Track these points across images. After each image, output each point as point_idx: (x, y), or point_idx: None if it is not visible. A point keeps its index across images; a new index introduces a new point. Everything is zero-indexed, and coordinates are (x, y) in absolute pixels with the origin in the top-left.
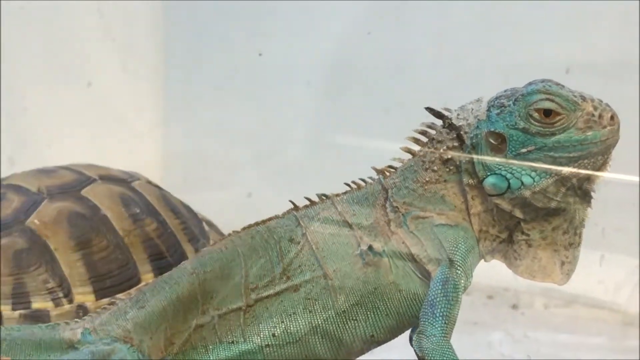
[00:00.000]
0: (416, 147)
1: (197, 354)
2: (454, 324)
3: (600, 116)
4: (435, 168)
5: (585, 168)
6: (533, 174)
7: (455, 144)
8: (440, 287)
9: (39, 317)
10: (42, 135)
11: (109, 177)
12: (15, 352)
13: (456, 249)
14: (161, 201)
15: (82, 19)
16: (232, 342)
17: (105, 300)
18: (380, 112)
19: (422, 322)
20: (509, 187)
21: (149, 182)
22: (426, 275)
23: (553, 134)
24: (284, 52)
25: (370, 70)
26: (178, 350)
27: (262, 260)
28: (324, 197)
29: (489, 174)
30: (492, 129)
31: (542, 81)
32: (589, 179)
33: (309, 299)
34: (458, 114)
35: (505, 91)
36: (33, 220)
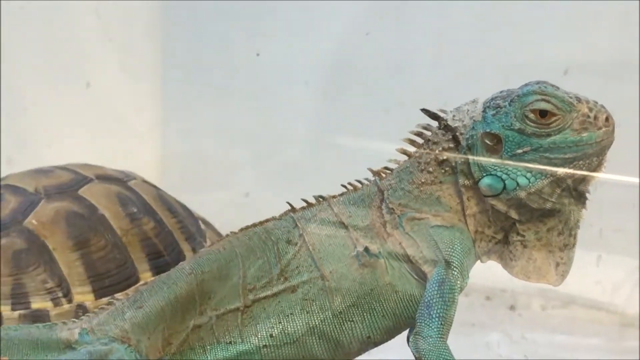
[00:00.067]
0: (412, 149)
1: (195, 354)
2: (451, 325)
3: (595, 117)
4: (430, 169)
5: (581, 169)
6: (528, 174)
7: (451, 145)
8: (436, 288)
9: (38, 317)
10: (42, 135)
11: (105, 177)
12: (12, 352)
13: (452, 250)
14: (158, 200)
15: (80, 19)
16: (230, 342)
17: (105, 300)
18: (380, 112)
19: (418, 323)
20: (504, 187)
21: (145, 182)
22: (422, 277)
23: (549, 135)
24: (283, 52)
25: (369, 71)
26: (176, 351)
27: (260, 261)
28: (321, 199)
29: (484, 174)
30: (488, 130)
31: (538, 83)
32: (584, 180)
33: (306, 299)
34: (454, 115)
35: (500, 92)
36: (31, 221)
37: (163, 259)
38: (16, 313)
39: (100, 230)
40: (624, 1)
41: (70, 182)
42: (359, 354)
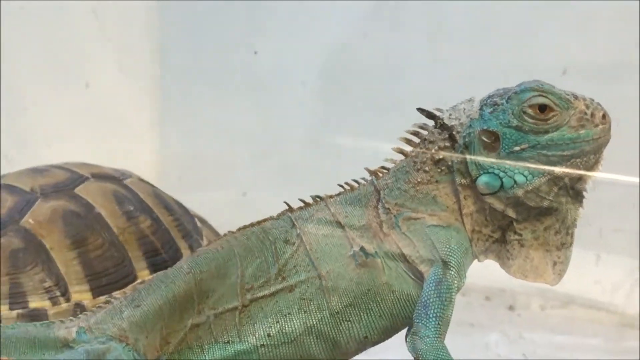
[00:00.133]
0: (409, 148)
1: (193, 353)
2: (448, 325)
3: (592, 115)
4: (426, 169)
5: (578, 167)
6: (526, 172)
7: (447, 144)
8: (433, 288)
9: (36, 316)
10: (42, 135)
11: (101, 175)
12: (9, 351)
13: (449, 250)
14: (154, 198)
15: (78, 19)
16: (228, 341)
17: (102, 298)
18: (377, 112)
19: (415, 323)
20: (501, 185)
21: (141, 180)
22: (419, 276)
23: (546, 132)
24: (281, 53)
25: (366, 71)
26: (174, 350)
27: (257, 260)
28: (318, 199)
29: (481, 172)
30: (485, 127)
31: (534, 81)
32: (580, 178)
33: (304, 299)
34: (450, 114)
35: (497, 90)
36: (28, 220)
37: (160, 257)
38: (14, 312)
39: (97, 228)
40: (623, 1)
41: (66, 181)
42: (357, 353)
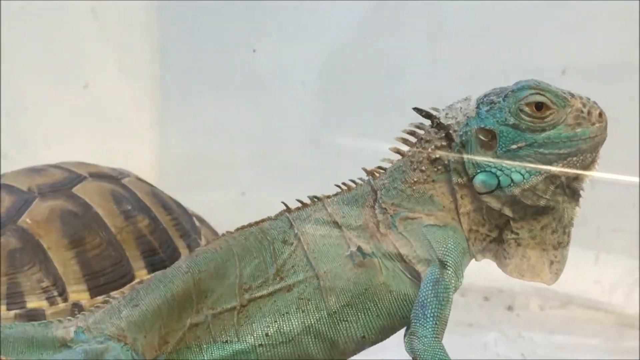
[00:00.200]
0: (405, 148)
1: (191, 353)
2: (446, 325)
3: (589, 113)
4: (423, 168)
5: (574, 165)
6: (523, 171)
7: (444, 143)
8: (430, 287)
9: (34, 316)
10: (42, 135)
11: (99, 175)
12: (7, 350)
13: (446, 249)
14: (152, 197)
15: (78, 19)
16: (226, 341)
17: (100, 298)
18: (377, 112)
19: (413, 323)
20: (498, 184)
21: (139, 179)
22: (416, 276)
23: (543, 130)
24: (280, 53)
25: (366, 71)
26: (172, 349)
27: (256, 261)
28: (316, 199)
29: (478, 171)
30: (482, 126)
31: (531, 80)
32: (577, 177)
33: (301, 299)
34: (447, 113)
35: (494, 89)
36: (25, 220)
37: (158, 256)
38: (12, 312)
39: (94, 228)
40: (623, 1)
41: (64, 181)
42: (355, 353)
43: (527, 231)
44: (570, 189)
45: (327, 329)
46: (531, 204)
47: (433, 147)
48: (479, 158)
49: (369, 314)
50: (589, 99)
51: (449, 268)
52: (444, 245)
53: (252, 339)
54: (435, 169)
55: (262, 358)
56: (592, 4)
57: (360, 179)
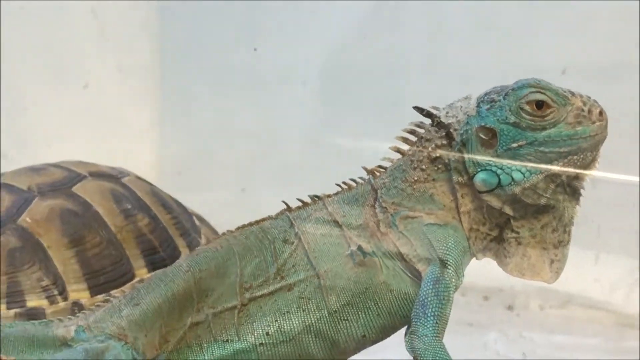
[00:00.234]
0: (406, 147)
1: (192, 352)
2: (446, 324)
3: (589, 111)
4: (423, 167)
5: (575, 164)
6: (523, 169)
7: (444, 142)
8: (431, 286)
9: (34, 315)
10: (42, 135)
11: (99, 174)
12: (8, 349)
13: (446, 248)
14: (152, 196)
15: (77, 19)
16: (227, 340)
17: (100, 297)
18: (377, 112)
19: (413, 322)
20: (499, 182)
21: (139, 178)
22: (417, 275)
23: (544, 128)
24: (280, 53)
25: (366, 71)
26: (173, 348)
27: (256, 260)
28: (316, 198)
29: (479, 169)
30: (483, 124)
31: (531, 78)
32: (578, 176)
33: (302, 298)
34: (447, 112)
35: (494, 87)
36: (25, 219)
37: (158, 255)
38: (12, 311)
39: (94, 227)
40: (623, 1)
41: (63, 180)
42: (355, 352)
43: (527, 230)
44: (571, 188)
45: (327, 328)
46: (532, 202)
47: (433, 145)
48: (479, 157)
49: (370, 313)
50: (589, 98)
51: (449, 267)
52: (445, 244)
53: (253, 338)
54: (436, 168)
55: (262, 357)
56: (592, 4)
57: (361, 178)
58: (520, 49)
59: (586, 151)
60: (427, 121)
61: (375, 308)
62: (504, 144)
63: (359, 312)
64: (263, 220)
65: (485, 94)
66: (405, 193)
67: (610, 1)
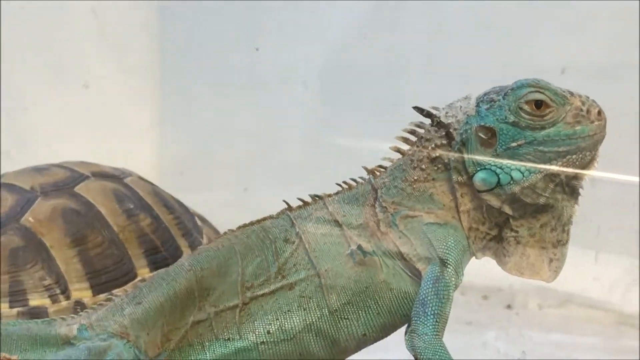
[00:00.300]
0: (406, 147)
1: (193, 350)
2: (446, 322)
3: (588, 111)
4: (423, 167)
5: (574, 163)
6: (522, 168)
7: (444, 141)
8: (431, 285)
9: (36, 314)
10: (42, 134)
11: (101, 174)
12: (10, 348)
13: (446, 248)
14: (154, 196)
15: (78, 19)
16: (228, 339)
17: (103, 296)
18: (377, 112)
19: (413, 321)
20: (498, 182)
21: (141, 178)
22: (417, 274)
23: (543, 128)
24: (280, 53)
25: (366, 71)
26: (174, 347)
27: (258, 259)
28: (317, 198)
29: (478, 169)
30: (482, 124)
31: (530, 78)
32: (577, 175)
33: (303, 297)
34: (447, 112)
35: (493, 87)
36: (28, 218)
37: (160, 255)
38: (14, 310)
39: (97, 226)
40: (623, 1)
41: (66, 180)
42: (356, 351)
43: (526, 229)
44: (570, 187)
45: (328, 326)
46: (531, 201)
47: (433, 145)
48: (479, 156)
49: (370, 311)
50: (588, 97)
51: (449, 266)
52: (444, 244)
53: (254, 337)
54: (436, 168)
55: (263, 355)
56: (592, 4)
57: (361, 177)
58: (520, 49)
59: (585, 150)
60: (427, 121)
61: (375, 307)
62: (503, 143)
63: (360, 311)
64: (264, 219)
65: (485, 94)
66: (405, 192)
67: (610, 1)
